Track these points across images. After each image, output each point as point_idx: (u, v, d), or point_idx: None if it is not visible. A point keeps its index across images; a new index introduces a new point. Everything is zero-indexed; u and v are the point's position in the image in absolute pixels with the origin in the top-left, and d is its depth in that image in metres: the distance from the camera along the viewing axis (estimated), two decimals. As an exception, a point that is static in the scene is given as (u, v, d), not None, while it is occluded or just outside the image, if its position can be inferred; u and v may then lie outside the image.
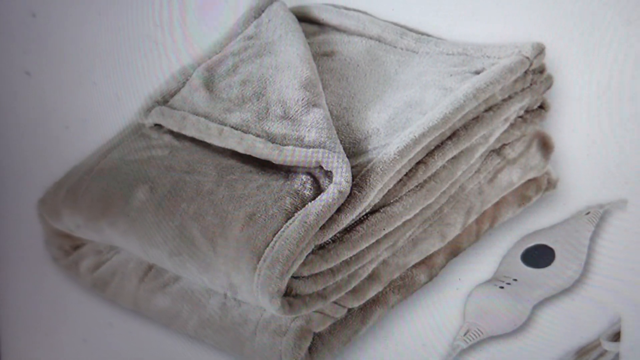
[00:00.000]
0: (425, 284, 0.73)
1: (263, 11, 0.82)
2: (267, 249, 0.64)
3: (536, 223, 0.76)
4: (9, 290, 0.81)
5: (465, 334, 0.70)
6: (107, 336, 0.76)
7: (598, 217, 0.74)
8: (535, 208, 0.78)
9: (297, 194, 0.66)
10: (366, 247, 0.67)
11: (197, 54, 0.81)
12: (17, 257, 0.82)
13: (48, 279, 0.79)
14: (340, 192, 0.65)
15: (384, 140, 0.70)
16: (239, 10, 0.83)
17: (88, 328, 0.77)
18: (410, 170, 0.69)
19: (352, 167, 0.67)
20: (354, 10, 0.82)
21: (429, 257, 0.73)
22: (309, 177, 0.67)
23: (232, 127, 0.71)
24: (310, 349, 0.68)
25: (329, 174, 0.67)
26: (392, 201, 0.69)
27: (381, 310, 0.71)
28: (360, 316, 0.70)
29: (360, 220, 0.67)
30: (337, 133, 0.71)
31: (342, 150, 0.68)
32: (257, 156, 0.70)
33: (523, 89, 0.74)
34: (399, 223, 0.69)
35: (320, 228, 0.65)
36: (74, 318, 0.77)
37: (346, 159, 0.67)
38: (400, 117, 0.71)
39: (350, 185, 0.66)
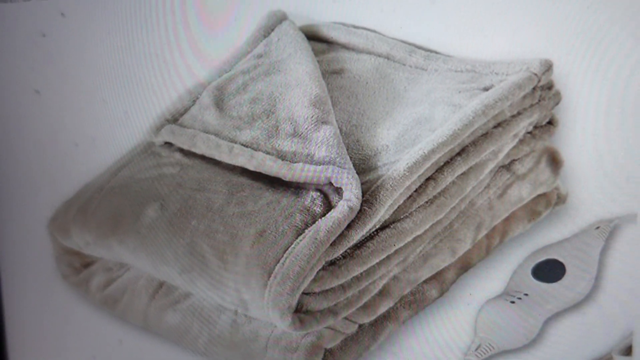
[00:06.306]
0: (436, 299, 0.73)
1: (272, 30, 0.82)
2: (278, 265, 0.64)
3: (546, 238, 0.76)
4: (19, 307, 0.81)
5: (476, 349, 0.70)
6: (117, 353, 0.75)
7: (608, 231, 0.74)
8: (545, 223, 0.78)
9: (308, 210, 0.66)
10: (377, 263, 0.68)
11: (206, 72, 0.81)
12: (27, 275, 0.82)
13: (58, 297, 0.79)
14: (350, 208, 0.65)
15: (393, 156, 0.70)
16: (248, 28, 0.83)
17: (98, 345, 0.76)
18: (420, 187, 0.69)
19: (362, 184, 0.67)
20: (363, 28, 0.82)
21: (440, 273, 0.73)
22: (319, 193, 0.68)
23: (242, 144, 0.72)
24: (321, 365, 0.68)
25: (339, 191, 0.67)
26: (402, 217, 0.69)
27: (392, 326, 0.71)
28: (371, 332, 0.70)
29: (370, 236, 0.67)
30: (347, 150, 0.71)
31: (352, 166, 0.68)
32: (267, 173, 0.70)
33: (532, 105, 0.75)
34: (409, 239, 0.69)
35: (330, 244, 0.65)
36: (83, 335, 0.77)
37: (356, 176, 0.67)
38: (409, 133, 0.71)
39: (360, 201, 0.66)
